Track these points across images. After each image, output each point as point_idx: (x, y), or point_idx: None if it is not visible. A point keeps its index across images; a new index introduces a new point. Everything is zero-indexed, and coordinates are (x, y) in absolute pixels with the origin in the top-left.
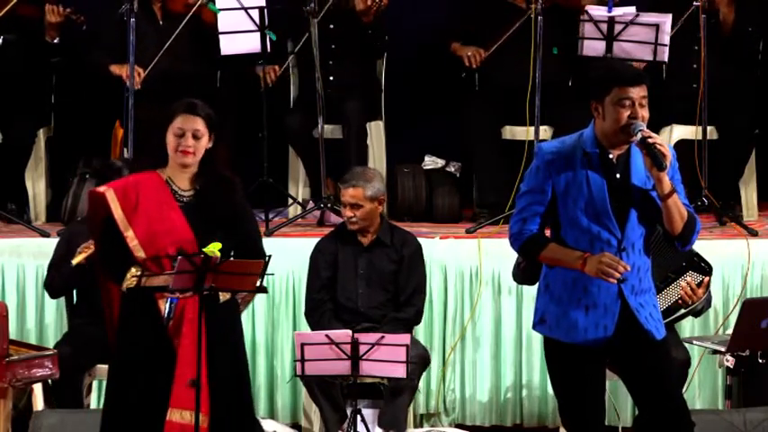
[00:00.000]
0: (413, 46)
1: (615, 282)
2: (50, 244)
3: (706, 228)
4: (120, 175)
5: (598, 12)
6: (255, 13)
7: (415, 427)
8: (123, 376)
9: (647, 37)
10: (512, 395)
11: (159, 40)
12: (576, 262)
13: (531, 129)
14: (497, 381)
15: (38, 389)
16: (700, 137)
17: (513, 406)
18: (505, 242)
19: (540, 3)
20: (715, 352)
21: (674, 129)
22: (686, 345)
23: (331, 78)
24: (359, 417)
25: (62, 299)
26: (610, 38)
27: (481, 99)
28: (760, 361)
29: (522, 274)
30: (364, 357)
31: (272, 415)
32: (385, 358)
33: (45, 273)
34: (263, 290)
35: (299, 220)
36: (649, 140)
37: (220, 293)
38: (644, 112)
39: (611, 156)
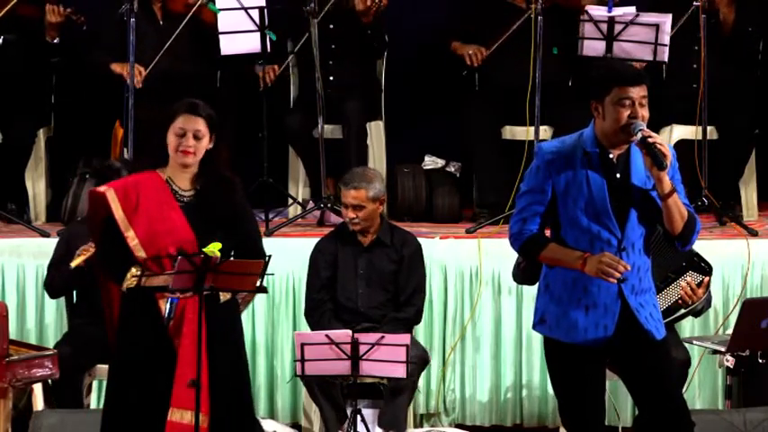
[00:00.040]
0: (413, 46)
1: (615, 282)
2: (50, 244)
3: (706, 228)
4: (118, 175)
5: (598, 12)
6: (255, 13)
7: (415, 427)
8: (123, 376)
9: (647, 37)
10: (512, 395)
11: (159, 41)
12: (576, 262)
13: (531, 129)
14: (497, 381)
15: (38, 389)
16: (700, 137)
17: (513, 406)
18: (505, 242)
19: (540, 3)
20: (715, 352)
21: (674, 129)
22: (686, 345)
23: (331, 78)
24: (359, 417)
25: (62, 299)
26: (610, 38)
27: (481, 99)
28: (760, 361)
29: (522, 274)
30: (364, 357)
31: (272, 415)
32: (385, 358)
33: (45, 273)
34: (263, 290)
35: (299, 220)
36: (649, 140)
37: (221, 293)
38: (644, 112)
39: (611, 155)
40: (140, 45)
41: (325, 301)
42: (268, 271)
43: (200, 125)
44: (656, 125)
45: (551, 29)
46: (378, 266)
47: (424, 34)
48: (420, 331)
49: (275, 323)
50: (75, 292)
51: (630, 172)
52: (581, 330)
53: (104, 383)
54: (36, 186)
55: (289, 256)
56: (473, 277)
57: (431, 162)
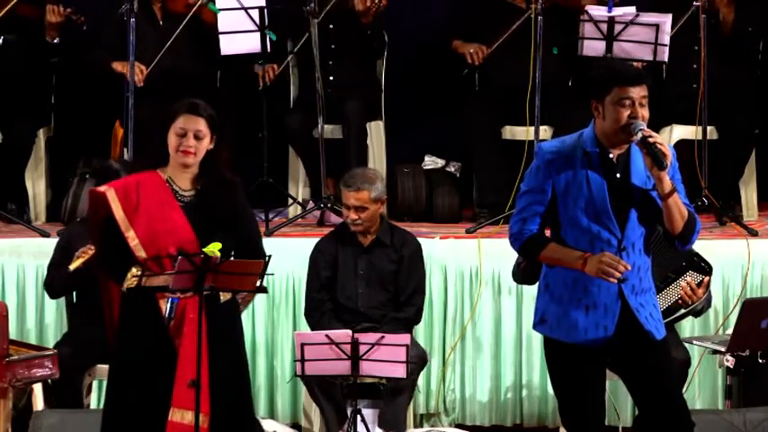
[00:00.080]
0: (413, 46)
1: (615, 281)
2: (50, 244)
3: (706, 228)
4: (117, 176)
5: (598, 12)
6: (255, 13)
7: (415, 427)
8: (124, 376)
9: (647, 37)
10: (512, 395)
11: (159, 41)
12: (577, 262)
13: (531, 129)
14: (497, 381)
15: (38, 389)
16: (700, 137)
17: (513, 406)
18: (505, 242)
19: (540, 3)
20: (715, 352)
21: (674, 129)
22: (686, 345)
23: (331, 78)
24: (359, 417)
25: (62, 299)
26: (610, 38)
27: (481, 99)
28: (760, 361)
29: (522, 274)
30: (364, 357)
31: (272, 415)
32: (385, 358)
33: (45, 273)
34: (263, 290)
35: (299, 220)
36: (650, 140)
37: (221, 293)
38: (644, 112)
39: (611, 155)
40: (140, 45)
41: (325, 301)
42: (268, 271)
43: (201, 125)
44: (656, 125)
45: (551, 29)
46: (378, 266)
47: (424, 34)
48: (420, 331)
49: (275, 323)
50: (75, 293)
51: (630, 172)
52: (581, 330)
53: (104, 383)
54: (36, 186)
55: (289, 256)
56: (473, 277)
57: (431, 162)
